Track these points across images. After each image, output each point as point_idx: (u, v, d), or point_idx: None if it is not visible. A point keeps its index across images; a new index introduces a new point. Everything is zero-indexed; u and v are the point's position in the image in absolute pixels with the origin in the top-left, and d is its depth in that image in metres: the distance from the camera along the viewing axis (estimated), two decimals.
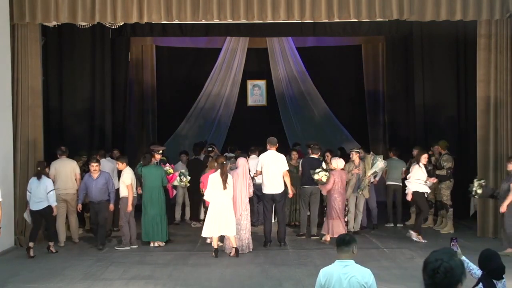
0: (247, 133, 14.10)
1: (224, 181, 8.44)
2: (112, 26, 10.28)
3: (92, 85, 12.30)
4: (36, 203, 8.72)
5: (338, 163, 9.55)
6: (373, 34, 13.70)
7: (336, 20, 9.63)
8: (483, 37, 9.74)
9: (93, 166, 9.25)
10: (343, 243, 4.19)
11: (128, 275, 7.62)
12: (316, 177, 9.36)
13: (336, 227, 9.31)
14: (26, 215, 9.12)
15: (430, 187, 9.88)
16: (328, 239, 9.46)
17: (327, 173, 9.34)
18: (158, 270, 7.87)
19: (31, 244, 8.68)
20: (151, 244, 9.30)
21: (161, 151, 10.47)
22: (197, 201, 11.13)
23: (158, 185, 9.33)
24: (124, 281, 7.34)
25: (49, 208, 8.78)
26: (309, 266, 8.06)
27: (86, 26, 10.08)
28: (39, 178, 8.73)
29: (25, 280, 7.43)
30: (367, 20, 9.72)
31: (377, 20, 9.81)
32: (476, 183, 8.92)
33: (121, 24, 10.32)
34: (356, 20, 9.71)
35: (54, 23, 9.70)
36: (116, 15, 9.32)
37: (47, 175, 8.95)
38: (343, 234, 4.46)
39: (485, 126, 9.80)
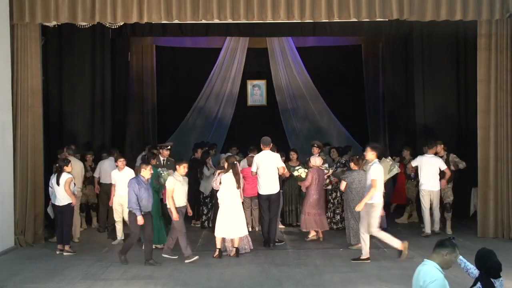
0: (247, 133, 14.09)
1: (238, 180, 8.50)
2: (112, 26, 10.28)
3: (92, 85, 12.31)
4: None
5: (316, 160, 9.69)
6: (373, 34, 13.71)
7: (336, 20, 9.63)
8: (483, 37, 9.75)
9: (149, 168, 8.35)
10: (436, 245, 4.34)
11: (128, 275, 7.62)
12: (295, 173, 9.51)
13: (319, 222, 9.62)
14: (49, 210, 9.53)
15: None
16: (321, 235, 9.70)
17: (305, 170, 9.56)
18: (158, 270, 7.87)
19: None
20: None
21: (169, 147, 10.51)
22: (199, 200, 11.13)
23: (154, 187, 9.06)
24: (124, 281, 7.34)
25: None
26: (309, 266, 8.07)
27: (86, 26, 10.08)
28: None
29: (25, 280, 7.43)
30: (367, 20, 9.71)
31: (377, 20, 9.81)
32: (340, 168, 9.68)
33: (121, 24, 10.32)
34: (356, 20, 9.70)
35: (54, 23, 9.69)
36: (116, 15, 9.32)
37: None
38: (445, 238, 4.47)
39: (485, 126, 9.80)
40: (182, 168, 8.44)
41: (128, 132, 13.96)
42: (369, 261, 8.20)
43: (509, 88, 9.68)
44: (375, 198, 8.16)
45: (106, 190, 10.39)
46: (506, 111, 9.69)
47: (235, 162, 8.66)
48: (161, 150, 10.49)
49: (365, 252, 8.26)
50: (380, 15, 9.45)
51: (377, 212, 8.20)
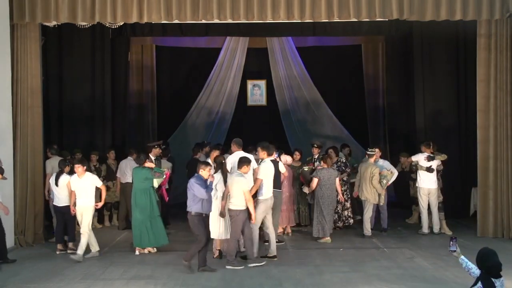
0: (247, 133, 14.09)
1: (225, 180, 8.35)
2: (112, 26, 10.29)
3: (92, 85, 12.32)
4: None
5: (286, 159, 10.02)
6: (373, 34, 13.71)
7: (336, 20, 9.63)
8: (483, 37, 9.75)
9: (208, 169, 7.83)
10: None
11: (128, 275, 7.62)
12: (306, 169, 9.99)
13: (285, 218, 10.09)
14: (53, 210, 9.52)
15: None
16: (289, 230, 10.24)
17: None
18: (158, 270, 7.87)
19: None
20: (136, 252, 8.86)
21: (160, 145, 10.42)
22: None
23: (143, 188, 8.85)
24: (124, 281, 7.34)
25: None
26: (309, 266, 8.07)
27: (86, 26, 10.08)
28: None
29: (25, 280, 7.42)
30: (367, 20, 9.72)
31: (377, 20, 9.81)
32: (308, 167, 10.16)
33: (121, 24, 10.33)
34: (356, 20, 9.70)
35: (54, 23, 9.70)
36: (116, 15, 9.32)
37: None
38: None
39: (485, 126, 9.81)
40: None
41: (128, 132, 13.94)
42: (275, 259, 8.29)
43: (509, 88, 9.68)
44: (261, 195, 8.23)
45: (124, 189, 10.70)
46: (506, 111, 9.69)
47: (223, 162, 8.46)
48: (152, 149, 10.38)
49: (272, 250, 8.41)
50: (380, 15, 9.45)
51: (261, 208, 8.22)
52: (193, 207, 7.67)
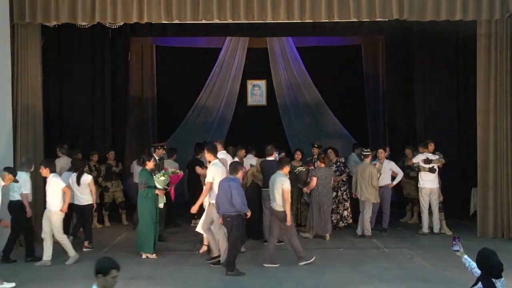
0: (247, 133, 14.10)
1: None
2: (112, 26, 10.29)
3: (92, 85, 12.33)
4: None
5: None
6: (373, 34, 13.70)
7: (336, 20, 9.63)
8: (483, 37, 9.75)
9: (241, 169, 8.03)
10: None
11: (128, 275, 7.59)
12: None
13: None
14: None
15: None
16: None
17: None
18: (158, 270, 7.87)
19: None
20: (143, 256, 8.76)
21: (164, 146, 10.44)
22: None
23: (141, 193, 8.66)
24: (124, 281, 7.31)
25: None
26: (309, 266, 8.07)
27: (86, 26, 10.09)
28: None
29: (25, 280, 7.43)
30: (367, 20, 9.72)
31: (377, 20, 9.81)
32: (305, 167, 10.11)
33: (121, 24, 10.33)
34: (356, 20, 9.70)
35: (54, 23, 9.70)
36: (116, 15, 9.32)
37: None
38: None
39: (485, 126, 9.81)
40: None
41: (128, 132, 13.94)
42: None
43: (509, 88, 9.68)
44: (213, 198, 8.05)
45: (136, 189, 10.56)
46: (506, 111, 9.70)
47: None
48: (156, 150, 10.40)
49: (215, 249, 8.30)
50: (380, 15, 9.44)
51: (214, 211, 8.01)
52: (231, 208, 7.56)
